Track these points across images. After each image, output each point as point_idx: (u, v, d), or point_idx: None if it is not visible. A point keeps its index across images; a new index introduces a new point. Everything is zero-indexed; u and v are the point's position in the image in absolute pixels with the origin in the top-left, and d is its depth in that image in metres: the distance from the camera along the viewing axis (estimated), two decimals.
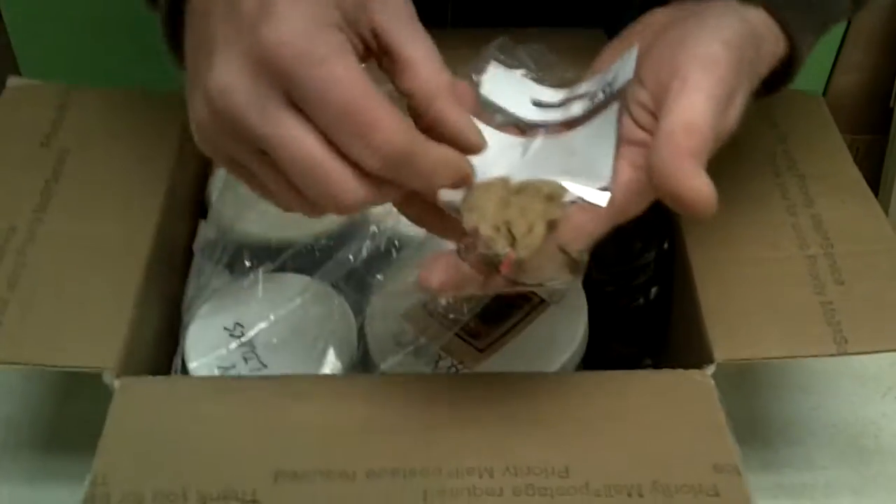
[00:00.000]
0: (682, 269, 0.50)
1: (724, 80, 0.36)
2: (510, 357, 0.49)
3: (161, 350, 0.52)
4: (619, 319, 0.55)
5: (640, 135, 0.38)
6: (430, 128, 0.36)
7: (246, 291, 0.53)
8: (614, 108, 0.39)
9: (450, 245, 0.38)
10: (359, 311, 0.52)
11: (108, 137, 0.55)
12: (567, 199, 0.36)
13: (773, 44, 0.40)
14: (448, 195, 0.36)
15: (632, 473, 0.39)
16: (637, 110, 0.38)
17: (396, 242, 0.54)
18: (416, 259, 0.53)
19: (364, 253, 0.53)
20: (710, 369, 0.44)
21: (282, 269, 0.54)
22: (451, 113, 0.36)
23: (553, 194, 0.36)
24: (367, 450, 0.41)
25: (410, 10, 0.37)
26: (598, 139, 0.38)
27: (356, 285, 0.53)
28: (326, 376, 0.49)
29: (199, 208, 0.60)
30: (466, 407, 0.42)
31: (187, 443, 0.41)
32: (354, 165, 0.33)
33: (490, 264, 0.36)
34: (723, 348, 0.45)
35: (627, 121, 0.38)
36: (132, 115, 0.57)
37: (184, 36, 0.37)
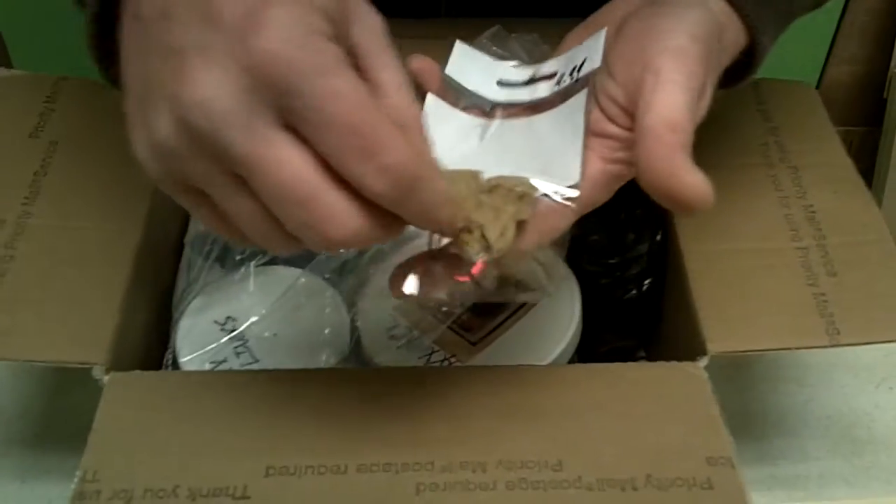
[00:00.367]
0: (675, 261, 0.50)
1: (695, 73, 0.36)
2: (503, 350, 0.49)
3: (151, 345, 0.51)
4: (612, 311, 0.55)
5: (610, 128, 0.38)
6: None
7: (237, 285, 0.52)
8: (581, 96, 0.38)
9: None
10: (351, 304, 0.52)
11: (97, 129, 0.54)
12: (536, 195, 0.36)
13: (735, 34, 0.40)
14: None
15: (625, 467, 0.39)
16: (607, 103, 0.38)
17: None
18: (409, 251, 0.52)
19: None
20: (704, 361, 0.44)
21: (273, 262, 0.53)
22: (420, 146, 0.33)
23: (525, 194, 0.36)
24: (359, 444, 0.40)
25: (385, 32, 0.34)
26: (565, 128, 0.38)
27: (348, 278, 0.53)
28: (319, 370, 0.48)
29: None
30: (459, 400, 0.42)
31: (178, 438, 0.41)
32: (351, 195, 0.30)
33: (462, 264, 0.35)
34: (716, 340, 0.45)
35: (596, 112, 0.38)
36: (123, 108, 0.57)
37: (116, 42, 0.33)
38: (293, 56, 0.28)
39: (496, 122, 0.40)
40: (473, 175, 0.36)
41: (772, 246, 0.49)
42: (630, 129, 0.36)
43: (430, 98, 0.41)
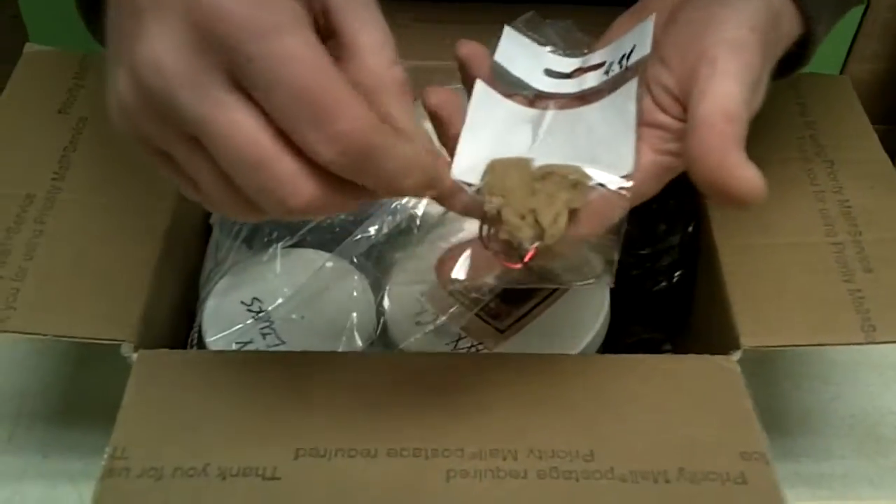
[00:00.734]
0: (707, 254, 0.50)
1: (752, 65, 0.35)
2: (531, 338, 0.48)
3: (177, 324, 0.51)
4: (641, 302, 0.54)
5: (662, 118, 0.37)
6: None
7: (264, 266, 0.52)
8: (633, 84, 0.38)
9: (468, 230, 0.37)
10: (378, 288, 0.52)
11: None
12: (589, 183, 0.36)
13: (790, 25, 0.39)
14: (465, 174, 0.36)
15: (658, 459, 0.39)
16: (659, 92, 0.37)
17: (417, 220, 0.53)
18: (437, 237, 0.52)
19: (385, 230, 0.52)
20: (737, 355, 0.43)
21: (301, 244, 0.53)
22: (398, 112, 0.32)
23: (578, 182, 0.35)
24: (389, 428, 0.40)
25: None
26: (616, 117, 0.38)
27: (376, 262, 0.52)
28: (346, 353, 0.48)
29: None
30: (489, 388, 0.42)
31: (207, 418, 0.40)
32: (307, 161, 0.29)
33: (513, 251, 0.35)
34: (749, 335, 0.44)
35: (648, 102, 0.37)
36: None
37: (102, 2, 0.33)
38: (243, 13, 0.27)
39: (550, 113, 0.40)
40: (526, 162, 0.36)
41: (807, 241, 0.48)
42: (682, 120, 0.36)
43: (480, 85, 0.40)
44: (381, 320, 0.50)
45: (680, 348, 0.56)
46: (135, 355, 0.43)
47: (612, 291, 0.50)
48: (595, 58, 0.41)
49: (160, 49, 0.28)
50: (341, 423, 0.40)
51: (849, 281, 0.46)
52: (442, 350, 0.48)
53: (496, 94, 0.39)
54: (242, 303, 0.51)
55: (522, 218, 0.34)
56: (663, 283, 0.53)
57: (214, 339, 0.49)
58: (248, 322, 0.50)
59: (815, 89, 0.56)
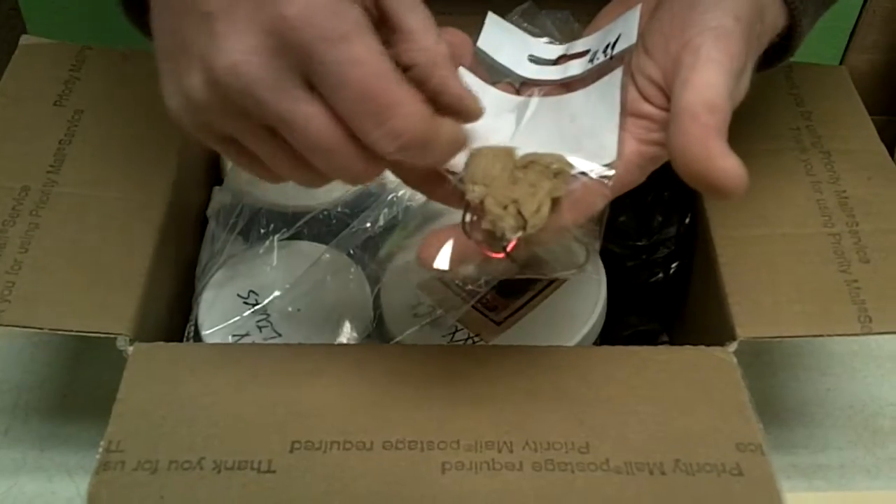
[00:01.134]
0: (704, 245, 0.50)
1: (736, 55, 0.35)
2: (527, 330, 0.48)
3: (174, 317, 0.51)
4: (637, 294, 0.54)
5: (646, 107, 0.37)
6: (431, 98, 0.35)
7: (261, 259, 0.52)
8: (617, 74, 0.38)
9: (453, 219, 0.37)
10: (375, 280, 0.51)
11: (122, 98, 0.54)
12: (572, 172, 0.36)
13: (774, 16, 0.39)
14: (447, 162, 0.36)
15: (654, 451, 0.39)
16: (643, 81, 0.37)
17: (414, 212, 0.53)
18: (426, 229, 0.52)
19: (381, 221, 0.52)
20: (733, 346, 0.43)
21: (297, 236, 0.53)
22: (453, 82, 0.35)
23: (560, 171, 0.35)
24: (384, 421, 0.40)
25: None
26: (601, 106, 0.38)
27: (372, 254, 0.52)
28: (342, 346, 0.48)
29: (214, 173, 0.59)
30: (485, 380, 0.42)
31: (203, 411, 0.40)
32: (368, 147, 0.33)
33: (495, 241, 0.35)
34: (745, 326, 0.44)
35: (632, 91, 0.37)
36: (146, 76, 0.56)
37: None
38: (317, 23, 0.30)
39: (535, 100, 0.39)
40: (508, 151, 0.36)
41: (803, 231, 0.48)
42: (666, 110, 0.36)
43: (462, 72, 0.40)
44: (378, 313, 0.50)
45: (676, 340, 0.56)
46: (131, 348, 0.43)
47: (609, 283, 0.50)
48: (580, 45, 0.41)
49: (241, 54, 0.31)
50: (337, 415, 0.40)
51: (845, 272, 0.46)
52: (438, 342, 0.48)
53: (480, 81, 0.39)
54: (239, 295, 0.51)
55: (505, 208, 0.34)
56: (659, 275, 0.53)
57: (211, 331, 0.49)
58: (245, 315, 0.50)
59: (811, 79, 0.56)
